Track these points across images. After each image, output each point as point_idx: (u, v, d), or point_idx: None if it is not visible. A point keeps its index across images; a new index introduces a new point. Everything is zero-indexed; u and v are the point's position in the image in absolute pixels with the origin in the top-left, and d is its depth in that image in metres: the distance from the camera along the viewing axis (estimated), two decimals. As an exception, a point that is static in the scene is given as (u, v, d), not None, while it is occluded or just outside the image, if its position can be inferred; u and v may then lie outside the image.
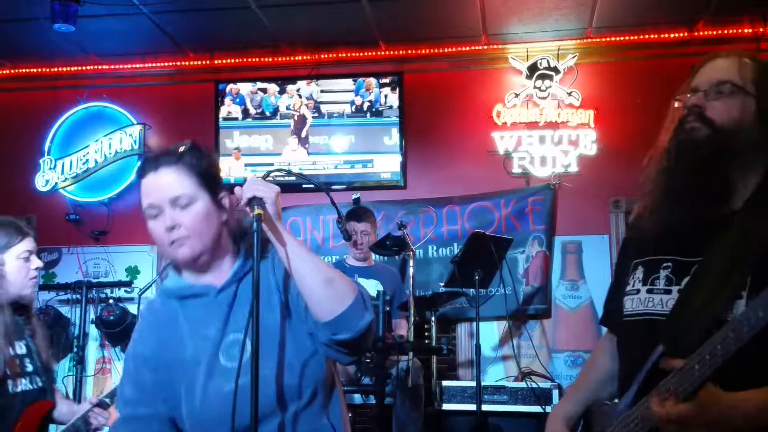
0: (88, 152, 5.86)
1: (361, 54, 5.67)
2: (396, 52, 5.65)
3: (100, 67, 5.90)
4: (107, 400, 2.73)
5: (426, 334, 4.94)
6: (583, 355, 5.18)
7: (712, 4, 4.94)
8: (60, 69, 5.89)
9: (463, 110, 5.62)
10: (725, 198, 1.51)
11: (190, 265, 1.78)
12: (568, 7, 5.03)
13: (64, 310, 5.51)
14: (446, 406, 4.37)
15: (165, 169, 1.73)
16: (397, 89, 5.64)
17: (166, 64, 5.85)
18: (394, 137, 5.63)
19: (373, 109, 5.66)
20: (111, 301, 5.41)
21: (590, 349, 4.92)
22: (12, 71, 6.01)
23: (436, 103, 5.67)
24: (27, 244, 2.75)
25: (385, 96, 5.65)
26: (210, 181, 1.77)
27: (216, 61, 5.81)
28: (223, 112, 5.82)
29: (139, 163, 1.82)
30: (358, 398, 4.15)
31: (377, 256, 4.86)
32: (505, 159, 5.52)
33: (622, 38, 5.39)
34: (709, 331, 1.36)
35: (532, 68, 5.51)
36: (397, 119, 5.62)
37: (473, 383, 4.27)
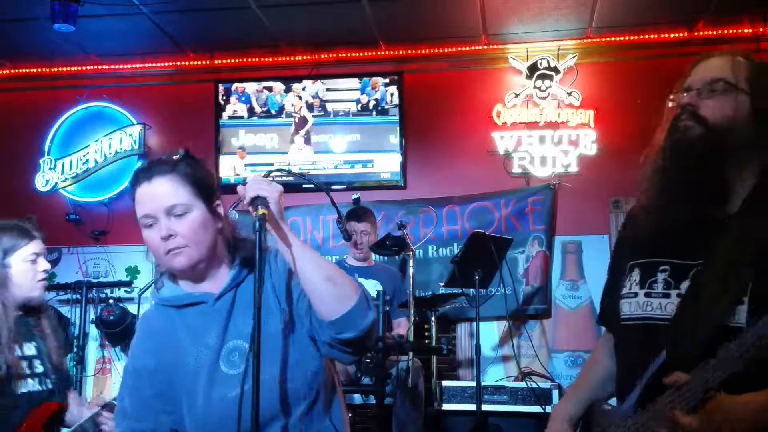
0: (88, 152, 5.87)
1: (361, 54, 5.67)
2: (396, 52, 5.65)
3: (100, 67, 5.90)
4: (116, 402, 2.72)
5: (426, 334, 4.94)
6: (583, 355, 5.18)
7: (712, 4, 4.94)
8: (60, 69, 5.89)
9: (463, 110, 5.62)
10: (721, 198, 1.50)
11: (187, 273, 1.78)
12: (568, 7, 5.03)
13: (64, 310, 5.50)
14: (446, 406, 4.37)
15: (159, 178, 1.73)
16: (397, 89, 5.64)
17: (166, 64, 5.85)
18: (391, 137, 5.63)
19: (379, 108, 5.66)
20: (111, 301, 5.42)
21: (590, 349, 4.92)
22: (12, 71, 6.01)
23: (436, 103, 5.67)
24: (34, 246, 2.75)
25: (391, 94, 5.66)
26: (205, 189, 1.77)
27: (216, 61, 5.81)
28: (229, 110, 5.82)
29: (132, 174, 1.80)
30: (358, 398, 4.15)
31: (377, 256, 4.86)
32: (505, 159, 5.52)
33: (622, 38, 5.39)
34: (710, 338, 1.36)
35: (532, 68, 5.51)
36: (397, 119, 5.62)
37: (473, 383, 4.26)
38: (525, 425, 4.30)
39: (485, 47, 5.55)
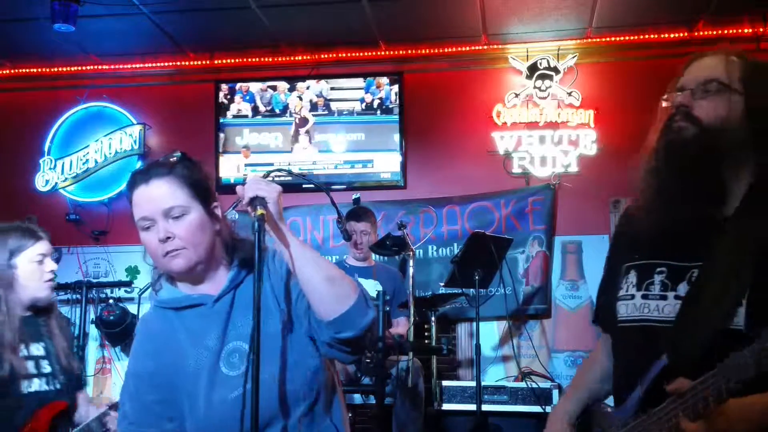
0: (88, 152, 5.87)
1: (361, 54, 5.67)
2: (396, 52, 5.65)
3: (100, 67, 5.90)
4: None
5: (426, 334, 4.94)
6: (583, 355, 5.17)
7: (712, 4, 4.94)
8: (60, 69, 5.89)
9: (463, 110, 5.62)
10: (718, 199, 1.50)
11: (186, 275, 1.78)
12: (568, 7, 5.03)
13: (64, 310, 5.49)
14: (446, 406, 4.37)
15: (156, 180, 1.73)
16: (397, 89, 5.64)
17: (166, 64, 5.85)
18: (395, 137, 5.63)
19: (384, 107, 5.66)
20: (111, 301, 5.42)
21: (590, 349, 4.90)
22: (12, 71, 6.01)
23: (436, 103, 5.67)
24: (40, 247, 2.76)
25: (396, 93, 5.66)
26: (202, 191, 1.77)
27: (216, 61, 5.81)
28: (233, 109, 5.82)
29: (129, 176, 1.80)
30: (358, 398, 4.15)
31: (377, 256, 4.86)
32: (505, 159, 5.52)
33: (622, 38, 5.39)
34: (711, 341, 1.36)
35: (532, 68, 5.51)
36: (398, 119, 5.62)
37: (473, 383, 4.26)
38: (525, 425, 4.29)
39: (485, 47, 5.55)
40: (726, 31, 5.23)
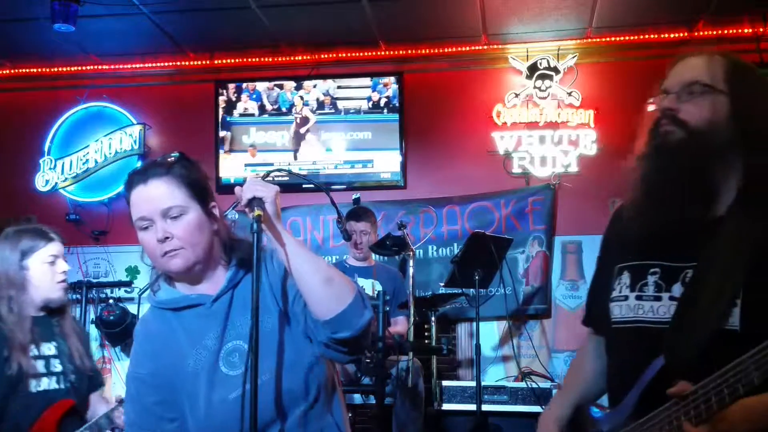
0: (88, 152, 5.87)
1: (361, 54, 5.67)
2: (396, 52, 5.65)
3: (100, 67, 5.90)
4: None
5: (426, 334, 4.94)
6: (583, 355, 5.17)
7: (712, 4, 4.94)
8: (60, 69, 5.89)
9: (463, 110, 5.62)
10: (708, 200, 1.50)
11: (184, 275, 1.77)
12: (568, 7, 5.03)
13: (64, 310, 5.50)
14: (446, 406, 4.37)
15: (155, 180, 1.73)
16: (397, 89, 5.64)
17: (166, 64, 5.85)
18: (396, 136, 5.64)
19: (391, 105, 5.65)
20: (111, 301, 5.42)
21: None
22: (12, 71, 6.01)
23: (436, 103, 5.67)
24: (52, 248, 2.78)
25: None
26: (200, 191, 1.77)
27: (216, 61, 5.81)
28: (240, 108, 5.82)
29: (127, 177, 1.80)
30: (358, 398, 4.15)
31: (377, 256, 4.86)
32: (505, 159, 5.52)
33: (622, 38, 5.39)
34: (707, 342, 1.36)
35: (532, 68, 5.51)
36: (398, 119, 5.62)
37: (473, 383, 4.26)
38: (525, 425, 4.29)
39: (485, 47, 5.55)
40: (726, 31, 5.23)
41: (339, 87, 5.73)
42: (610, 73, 5.47)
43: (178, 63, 5.85)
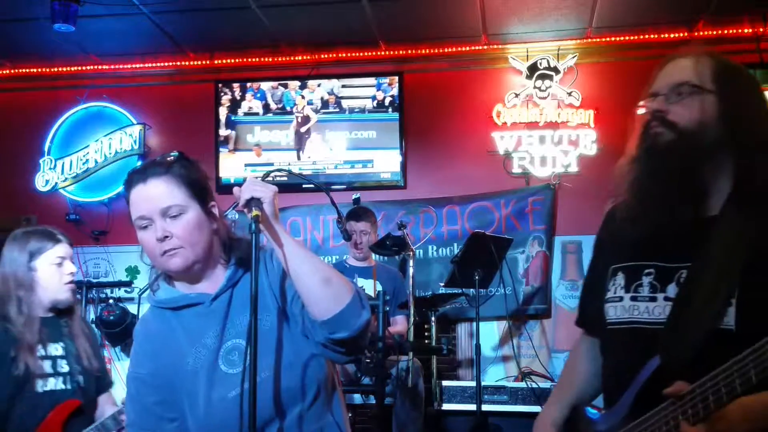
0: (88, 152, 5.87)
1: (361, 54, 5.67)
2: (396, 52, 5.65)
3: (100, 67, 5.90)
4: None
5: (426, 334, 4.94)
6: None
7: (712, 4, 4.94)
8: (60, 69, 5.89)
9: (463, 110, 5.62)
10: (700, 200, 1.50)
11: (183, 274, 1.78)
12: (568, 7, 5.03)
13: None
14: (446, 406, 4.37)
15: (154, 180, 1.73)
16: (398, 89, 5.64)
17: (166, 64, 5.85)
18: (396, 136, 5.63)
19: (395, 104, 5.65)
20: (111, 301, 5.42)
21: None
22: (12, 71, 6.01)
23: (436, 103, 5.67)
24: (60, 250, 2.80)
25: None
26: (199, 190, 1.77)
27: (216, 61, 5.81)
28: (244, 107, 5.82)
29: (126, 176, 1.81)
30: (358, 398, 4.15)
31: (377, 256, 4.86)
32: (505, 159, 5.52)
33: (622, 38, 5.39)
34: (703, 342, 1.36)
35: (532, 68, 5.51)
36: (398, 119, 5.62)
37: (473, 383, 4.26)
38: (525, 425, 4.25)
39: (485, 47, 5.56)
40: (726, 31, 5.23)
41: (344, 86, 5.73)
42: (610, 73, 5.47)
43: (178, 63, 5.85)
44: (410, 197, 5.60)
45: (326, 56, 5.71)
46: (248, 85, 5.82)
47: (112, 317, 5.29)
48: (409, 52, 5.63)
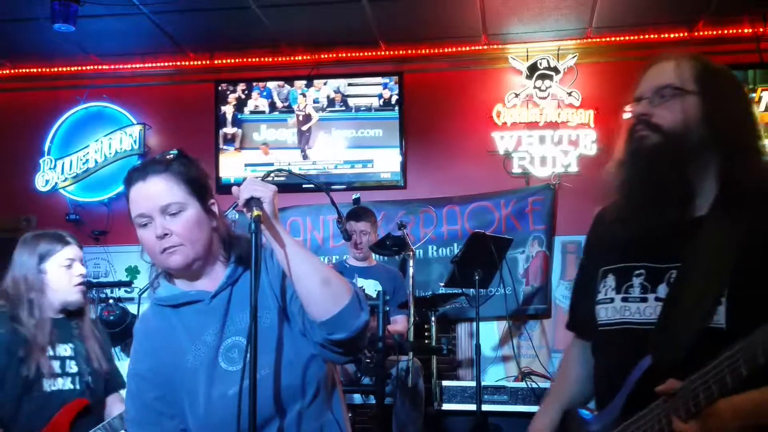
0: (88, 152, 5.87)
1: (361, 54, 5.67)
2: (396, 52, 5.65)
3: (100, 67, 5.90)
4: None
5: (426, 334, 4.94)
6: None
7: (712, 4, 4.94)
8: (60, 69, 5.89)
9: (463, 110, 5.62)
10: (687, 200, 1.52)
11: (183, 272, 1.78)
12: (568, 7, 5.03)
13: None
14: (446, 406, 4.37)
15: (153, 177, 1.73)
16: (397, 89, 5.64)
17: (166, 64, 5.85)
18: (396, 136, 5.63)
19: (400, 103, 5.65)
20: (111, 301, 5.41)
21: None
22: (12, 71, 6.01)
23: (436, 103, 5.67)
24: (69, 252, 2.83)
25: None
26: (199, 188, 1.77)
27: (216, 61, 5.81)
28: (251, 105, 5.82)
29: (126, 174, 1.82)
30: (358, 398, 4.15)
31: (377, 256, 4.86)
32: (505, 159, 5.53)
33: (622, 38, 5.39)
34: (694, 341, 1.37)
35: (532, 68, 5.51)
36: (398, 119, 5.62)
37: (473, 383, 4.26)
38: (525, 425, 4.21)
39: (485, 47, 5.56)
40: (726, 31, 5.23)
41: (350, 84, 5.73)
42: (610, 73, 5.47)
43: (178, 63, 5.85)
44: (410, 197, 5.60)
45: (326, 56, 5.71)
46: (254, 83, 5.81)
47: (112, 317, 5.28)
48: (409, 52, 5.63)
